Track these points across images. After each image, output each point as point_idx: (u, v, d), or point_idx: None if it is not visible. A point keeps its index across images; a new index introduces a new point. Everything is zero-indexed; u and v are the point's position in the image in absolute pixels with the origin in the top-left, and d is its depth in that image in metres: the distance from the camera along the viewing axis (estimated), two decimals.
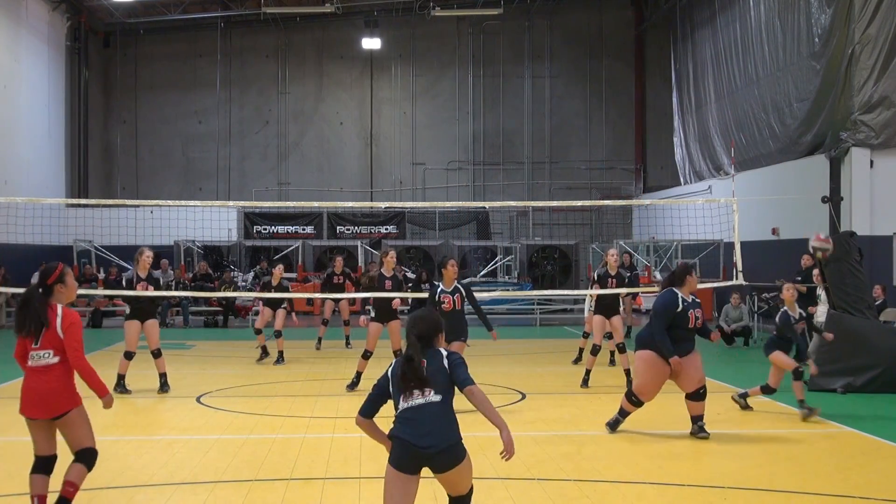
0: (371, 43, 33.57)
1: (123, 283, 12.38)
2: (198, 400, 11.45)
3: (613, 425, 9.24)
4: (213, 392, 12.03)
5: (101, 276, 25.12)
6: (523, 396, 11.63)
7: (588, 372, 12.48)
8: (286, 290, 16.14)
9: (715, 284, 20.74)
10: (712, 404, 11.14)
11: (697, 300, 9.38)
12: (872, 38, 19.08)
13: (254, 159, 34.29)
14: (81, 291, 22.42)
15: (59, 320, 6.03)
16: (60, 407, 6.06)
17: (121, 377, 11.88)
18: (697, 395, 9.09)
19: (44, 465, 6.26)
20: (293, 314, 15.93)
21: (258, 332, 15.52)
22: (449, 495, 5.32)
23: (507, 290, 25.47)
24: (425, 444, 4.97)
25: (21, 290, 20.81)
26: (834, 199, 19.45)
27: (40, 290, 6.13)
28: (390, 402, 5.23)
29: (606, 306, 12.52)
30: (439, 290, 10.72)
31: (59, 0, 29.65)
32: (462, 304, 10.58)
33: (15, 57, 26.90)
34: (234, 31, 33.52)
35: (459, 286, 10.70)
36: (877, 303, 14.11)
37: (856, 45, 19.13)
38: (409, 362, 5.07)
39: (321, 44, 34.17)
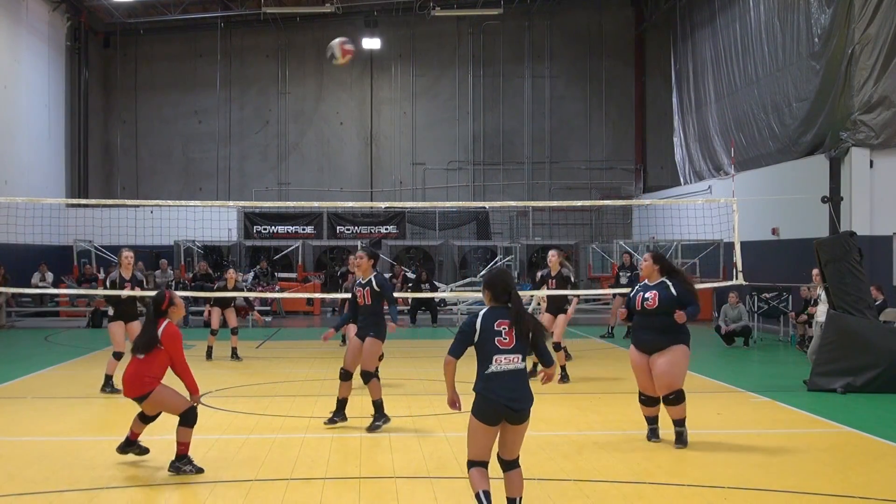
0: (371, 43, 33.57)
1: (108, 284, 12.35)
2: None
3: (651, 435, 8.87)
4: (213, 392, 12.03)
5: (102, 276, 25.13)
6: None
7: (563, 367, 12.95)
8: (242, 290, 17.12)
9: (715, 284, 20.75)
10: (712, 404, 11.17)
11: (658, 283, 8.62)
12: (872, 38, 19.07)
13: (254, 159, 34.30)
14: (81, 291, 22.60)
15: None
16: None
17: (108, 377, 11.87)
18: (667, 400, 8.60)
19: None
20: (255, 312, 17.39)
21: (214, 332, 16.11)
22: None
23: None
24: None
25: (21, 290, 20.72)
26: (834, 199, 19.46)
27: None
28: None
29: (557, 307, 13.22)
30: (357, 282, 9.92)
31: (59, 0, 29.65)
32: (373, 300, 9.63)
33: (15, 57, 26.91)
34: (234, 31, 33.52)
35: (373, 280, 9.73)
36: (877, 303, 14.11)
37: (856, 45, 19.13)
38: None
39: (321, 44, 33.95)
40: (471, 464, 5.85)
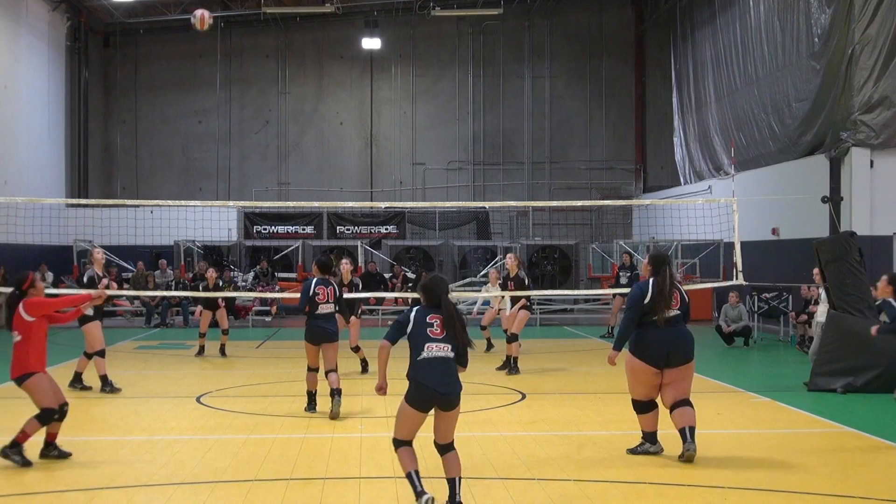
0: (371, 43, 33.56)
1: (85, 281, 12.42)
2: (198, 400, 11.45)
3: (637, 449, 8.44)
4: (213, 392, 12.04)
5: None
6: (523, 396, 11.64)
7: (514, 359, 13.88)
8: (222, 289, 17.31)
9: (715, 284, 20.74)
10: (712, 404, 11.17)
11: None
12: (872, 38, 19.07)
13: (254, 159, 34.29)
14: (81, 291, 22.57)
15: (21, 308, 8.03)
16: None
17: (104, 378, 11.90)
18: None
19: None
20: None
21: (202, 334, 16.33)
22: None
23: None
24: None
25: None
26: (834, 199, 19.45)
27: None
28: None
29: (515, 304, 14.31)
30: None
31: (59, 0, 29.64)
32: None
33: (15, 57, 26.89)
34: (234, 31, 33.49)
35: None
36: (877, 303, 14.10)
37: (856, 45, 19.12)
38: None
39: (321, 44, 34.16)
40: (398, 443, 6.37)
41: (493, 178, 34.30)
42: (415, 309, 6.45)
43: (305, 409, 10.55)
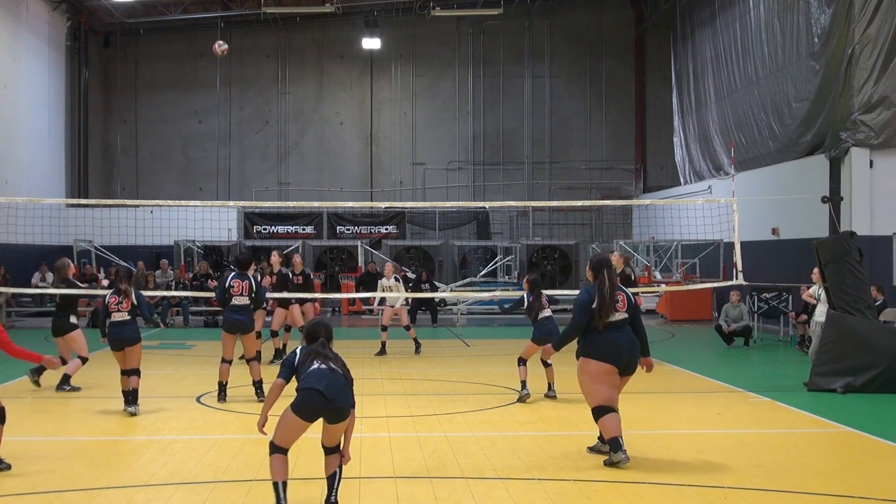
0: (371, 43, 33.57)
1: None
2: (198, 400, 11.45)
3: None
4: (213, 392, 12.03)
5: (102, 276, 25.12)
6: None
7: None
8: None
9: (715, 284, 20.75)
10: (712, 404, 11.17)
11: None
12: (872, 38, 19.07)
13: (254, 159, 34.29)
14: (81, 292, 22.57)
15: None
16: None
17: (67, 377, 12.05)
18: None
19: None
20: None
21: (280, 331, 16.08)
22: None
23: (507, 290, 25.45)
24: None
25: (21, 290, 20.88)
26: (834, 199, 19.45)
27: None
28: None
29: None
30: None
31: (59, 0, 29.64)
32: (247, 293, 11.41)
33: (15, 57, 26.90)
34: (234, 31, 33.48)
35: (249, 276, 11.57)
36: (877, 303, 14.11)
37: (856, 45, 19.12)
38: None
39: (321, 44, 34.16)
40: (275, 448, 6.31)
41: (493, 178, 34.30)
42: (298, 349, 6.56)
43: (218, 401, 11.15)
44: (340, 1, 30.38)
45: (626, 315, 7.94)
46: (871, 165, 19.50)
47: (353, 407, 6.40)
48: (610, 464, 7.68)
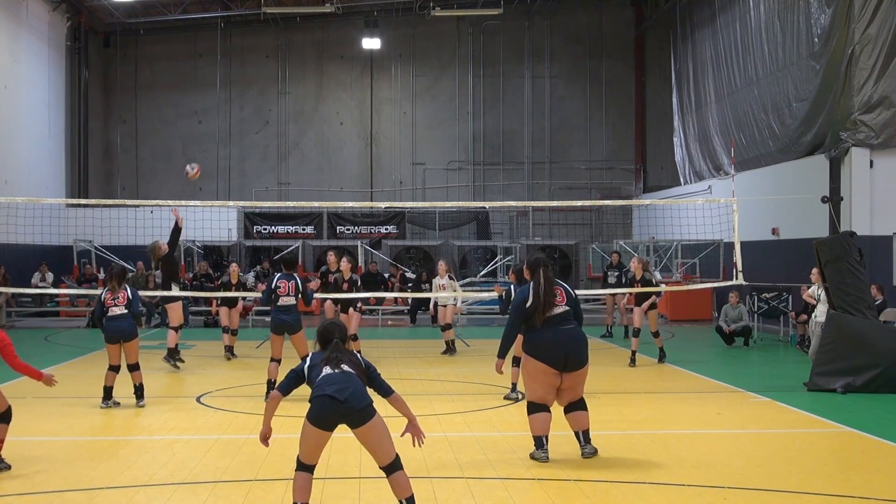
0: (371, 43, 33.57)
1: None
2: (198, 400, 11.45)
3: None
4: (213, 392, 12.04)
5: (101, 276, 25.13)
6: (523, 396, 11.62)
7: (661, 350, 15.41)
8: (244, 285, 17.68)
9: (715, 284, 20.75)
10: (712, 404, 11.17)
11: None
12: (872, 38, 19.07)
13: (254, 159, 34.29)
14: (81, 291, 22.60)
15: None
16: None
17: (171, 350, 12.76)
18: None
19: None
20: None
21: (226, 330, 16.28)
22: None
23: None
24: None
25: (21, 290, 20.88)
26: (834, 199, 19.45)
27: None
28: None
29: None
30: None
31: (59, 0, 29.64)
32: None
33: (15, 57, 26.89)
34: (234, 31, 33.50)
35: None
36: (877, 303, 14.10)
37: (856, 45, 19.12)
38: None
39: (321, 44, 34.16)
40: (299, 465, 6.06)
41: (493, 178, 34.30)
42: (309, 355, 6.32)
43: (265, 399, 10.94)
44: (340, 1, 30.37)
45: (568, 307, 8.07)
46: (871, 165, 19.50)
47: (393, 395, 6.16)
48: (533, 458, 8.01)
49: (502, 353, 8.34)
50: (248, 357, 16.20)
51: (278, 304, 11.51)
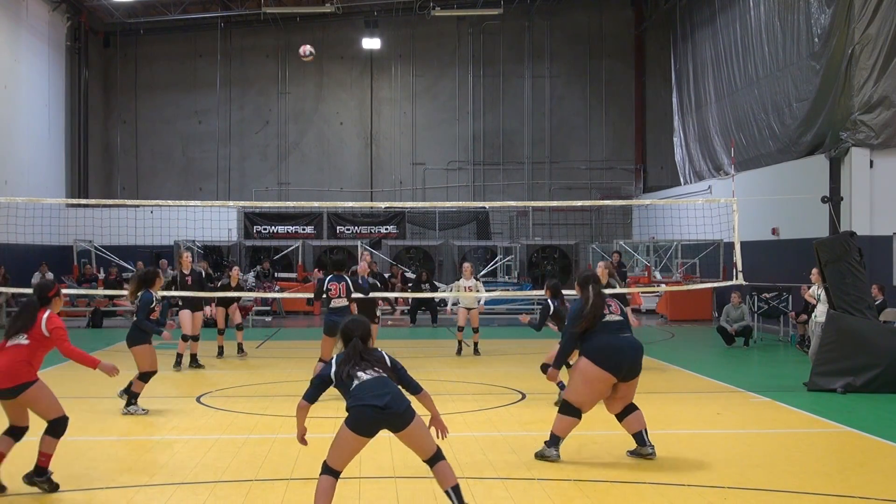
0: (371, 43, 33.58)
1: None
2: (198, 400, 11.45)
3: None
4: (213, 392, 12.04)
5: (101, 276, 25.12)
6: (523, 396, 11.63)
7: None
8: (243, 288, 17.91)
9: (715, 284, 20.76)
10: (712, 404, 11.17)
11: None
12: (872, 38, 19.07)
13: (254, 159, 34.30)
14: (81, 291, 22.59)
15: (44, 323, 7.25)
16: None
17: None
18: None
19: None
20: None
21: (221, 332, 16.17)
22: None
23: (507, 290, 25.47)
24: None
25: (21, 290, 20.88)
26: (834, 199, 19.46)
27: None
28: None
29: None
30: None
31: (59, 0, 29.64)
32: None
33: (15, 57, 26.89)
34: (234, 31, 33.51)
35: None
36: (877, 303, 14.10)
37: (856, 45, 19.13)
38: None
39: (321, 44, 34.07)
40: (326, 469, 5.91)
41: (493, 178, 34.30)
42: (334, 359, 6.13)
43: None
44: (340, 1, 30.38)
45: (621, 318, 8.07)
46: (871, 165, 19.51)
47: (422, 392, 6.13)
48: (539, 456, 7.96)
49: (558, 364, 8.31)
50: (249, 357, 16.20)
51: (331, 306, 11.65)
